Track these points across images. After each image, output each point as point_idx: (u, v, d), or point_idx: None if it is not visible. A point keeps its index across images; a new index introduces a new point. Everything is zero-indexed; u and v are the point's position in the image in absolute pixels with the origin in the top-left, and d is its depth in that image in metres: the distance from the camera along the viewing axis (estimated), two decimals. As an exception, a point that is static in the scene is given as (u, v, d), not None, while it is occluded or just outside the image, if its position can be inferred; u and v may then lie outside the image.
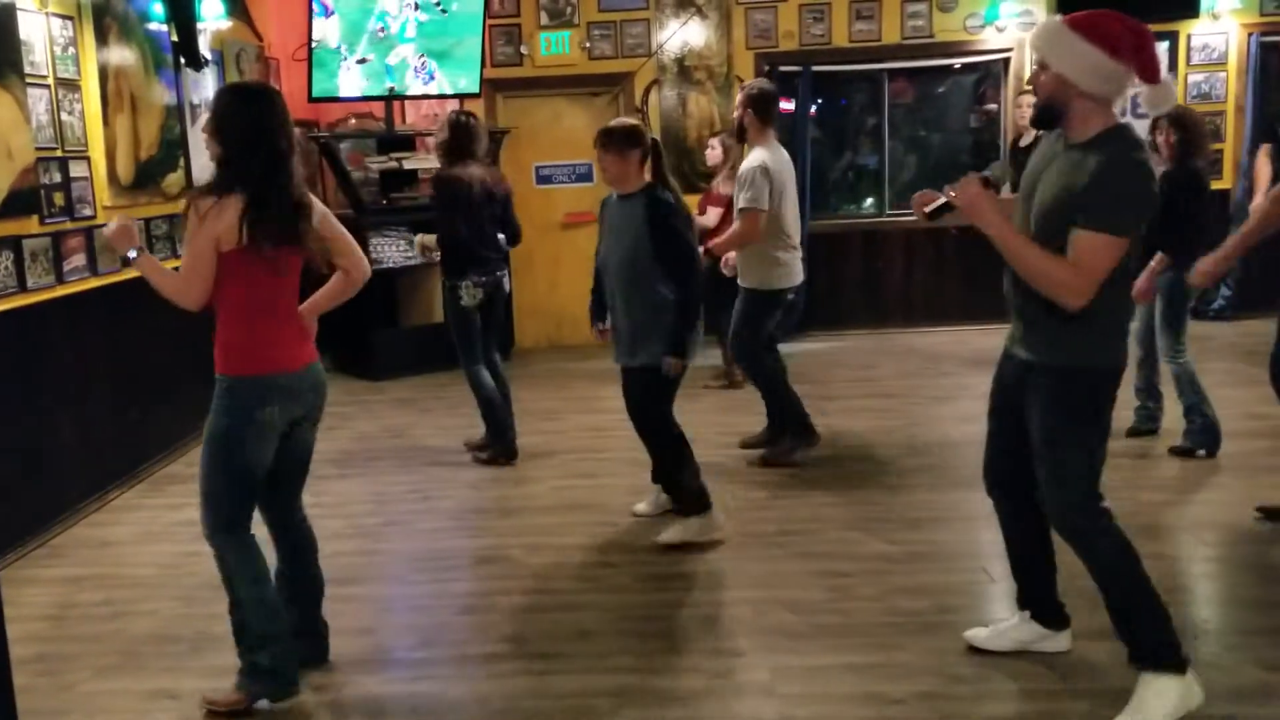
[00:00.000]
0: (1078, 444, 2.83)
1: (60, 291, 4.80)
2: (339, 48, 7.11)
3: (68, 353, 4.86)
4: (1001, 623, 3.33)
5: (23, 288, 4.53)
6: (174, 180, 5.91)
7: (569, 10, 8.19)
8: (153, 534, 4.68)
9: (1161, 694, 2.81)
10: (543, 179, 8.50)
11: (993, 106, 8.67)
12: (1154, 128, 5.16)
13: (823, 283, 8.33)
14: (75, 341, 4.92)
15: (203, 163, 6.24)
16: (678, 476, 4.29)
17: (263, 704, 3.15)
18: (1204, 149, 5.13)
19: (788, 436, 5.28)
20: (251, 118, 3.04)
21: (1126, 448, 5.11)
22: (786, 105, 8.43)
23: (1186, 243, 4.89)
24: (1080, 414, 2.83)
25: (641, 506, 4.64)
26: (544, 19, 8.21)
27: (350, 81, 7.25)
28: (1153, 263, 4.93)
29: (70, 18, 4.97)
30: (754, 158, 5.12)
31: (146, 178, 5.63)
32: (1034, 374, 2.90)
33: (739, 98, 5.31)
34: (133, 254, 3.08)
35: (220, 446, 3.05)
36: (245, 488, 3.08)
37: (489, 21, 7.92)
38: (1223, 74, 8.19)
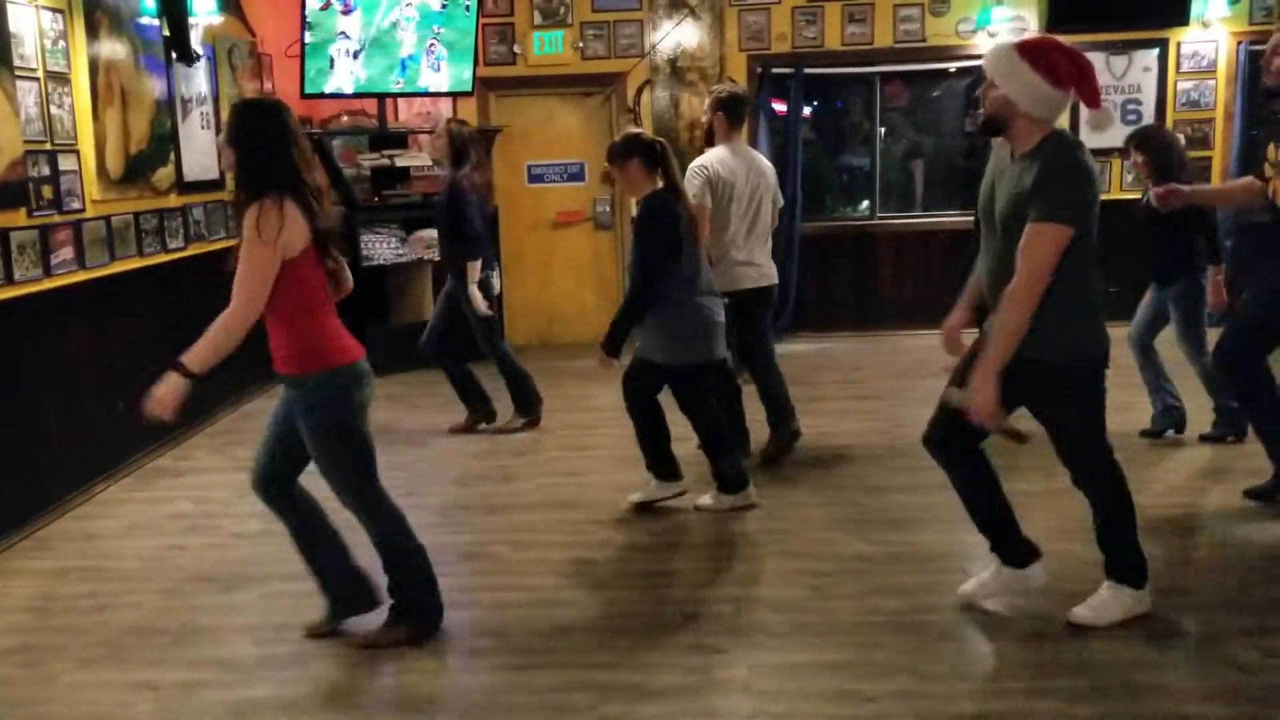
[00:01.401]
0: (1081, 426, 3.25)
1: (47, 284, 4.81)
2: (358, 40, 7.15)
3: (55, 345, 4.87)
4: (982, 574, 3.60)
5: (10, 280, 4.54)
6: (164, 175, 5.93)
7: (562, 10, 8.22)
8: (139, 527, 4.70)
9: (1120, 600, 3.38)
10: (535, 178, 8.52)
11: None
12: (1125, 153, 5.27)
13: (813, 284, 8.36)
14: (62, 334, 4.94)
15: (193, 158, 6.26)
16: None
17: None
18: (1181, 164, 5.23)
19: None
20: (280, 124, 3.19)
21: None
22: (779, 107, 8.48)
23: (1192, 256, 4.99)
24: (1075, 400, 3.21)
25: (636, 496, 4.70)
26: (537, 18, 8.23)
27: (355, 75, 7.25)
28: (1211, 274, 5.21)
29: (60, 11, 4.99)
30: (705, 157, 5.11)
31: (136, 172, 5.64)
32: (1035, 369, 3.14)
33: (708, 101, 5.33)
34: (183, 385, 3.17)
35: (339, 437, 3.26)
36: (368, 457, 3.33)
37: (482, 20, 7.94)
38: (1212, 82, 8.23)
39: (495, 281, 5.97)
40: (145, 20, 5.70)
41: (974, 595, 3.58)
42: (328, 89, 7.17)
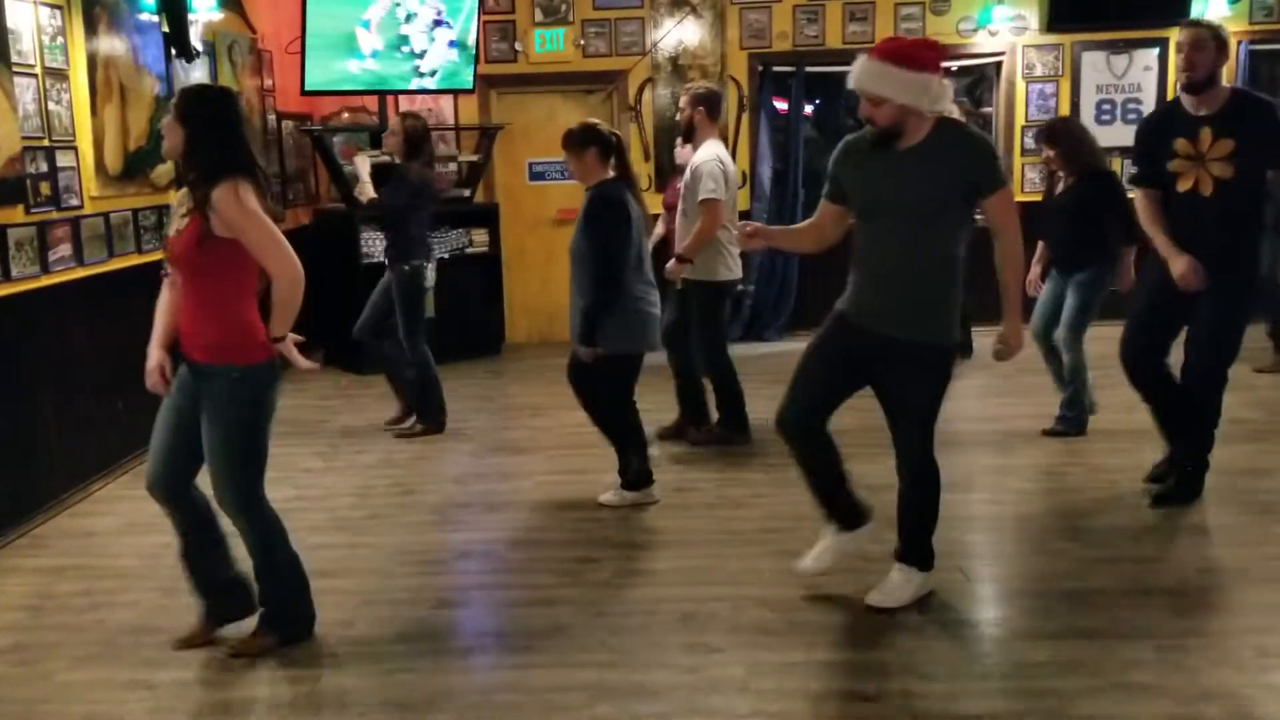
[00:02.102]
0: (935, 408, 3.48)
1: (45, 281, 4.80)
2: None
3: (52, 343, 4.86)
4: (818, 545, 3.73)
5: (7, 277, 4.53)
6: (163, 171, 5.91)
7: (564, 7, 8.20)
8: (136, 525, 4.68)
9: (911, 582, 3.60)
10: (536, 175, 8.51)
11: (987, 110, 8.69)
12: (1038, 149, 5.40)
13: (814, 284, 8.34)
14: (60, 331, 4.93)
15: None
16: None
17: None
18: (1092, 152, 5.39)
19: (720, 426, 5.58)
20: (237, 109, 3.25)
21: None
22: (781, 105, 8.47)
23: (1103, 243, 5.04)
24: (938, 383, 3.45)
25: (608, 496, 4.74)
26: (539, 16, 8.22)
27: (369, 67, 7.27)
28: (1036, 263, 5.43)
29: (59, 7, 4.97)
30: (708, 152, 5.28)
31: (135, 168, 5.63)
32: (907, 349, 3.36)
33: (685, 99, 5.48)
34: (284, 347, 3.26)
35: (243, 433, 3.23)
36: (261, 464, 3.31)
37: (483, 18, 7.93)
38: (1213, 80, 8.20)
39: (430, 274, 5.86)
40: (144, 16, 5.69)
41: (814, 569, 3.71)
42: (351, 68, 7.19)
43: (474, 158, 8.15)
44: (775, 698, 3.08)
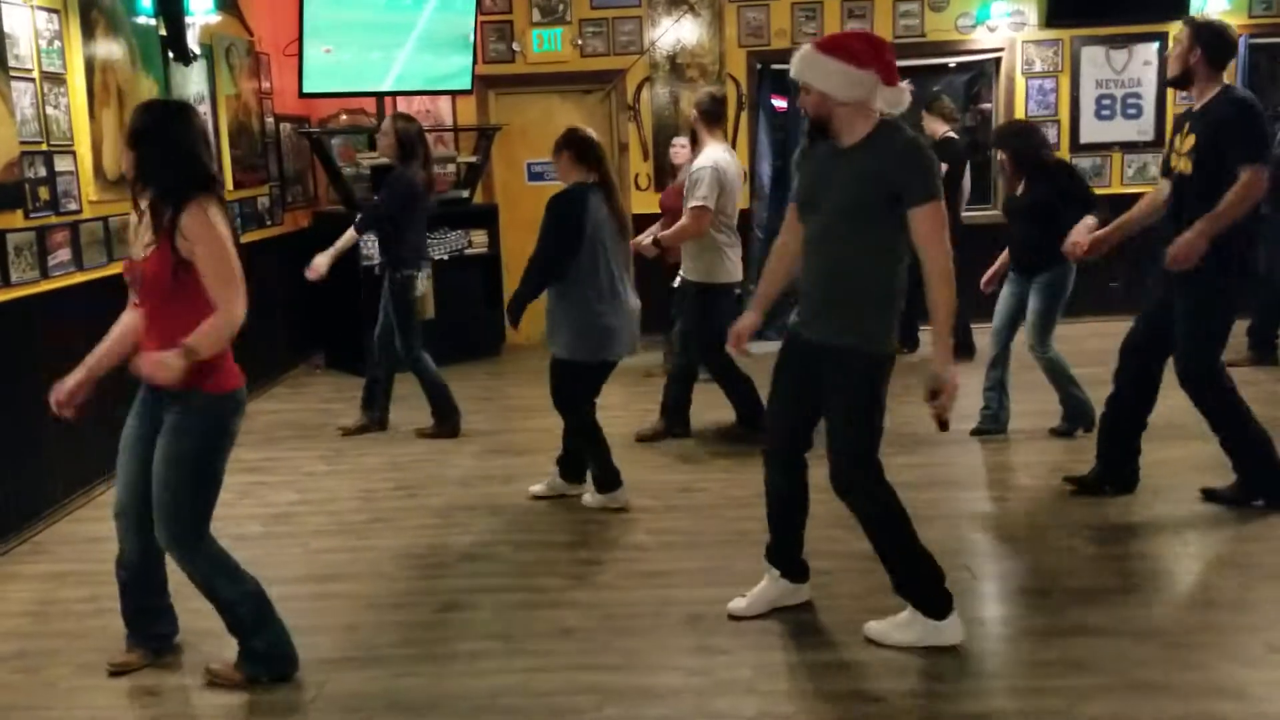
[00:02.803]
0: (857, 423, 3.31)
1: (45, 286, 4.78)
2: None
3: (52, 347, 4.84)
4: (753, 589, 3.61)
5: (6, 282, 4.51)
6: (162, 175, 5.89)
7: (561, 7, 8.18)
8: (138, 530, 4.67)
9: (911, 626, 3.34)
10: (534, 176, 8.49)
11: (986, 106, 8.68)
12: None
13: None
14: (60, 336, 4.89)
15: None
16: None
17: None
18: (1042, 144, 5.41)
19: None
20: (198, 125, 3.14)
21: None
22: (779, 104, 8.45)
23: (1058, 248, 5.01)
24: (875, 392, 3.28)
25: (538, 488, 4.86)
26: (536, 16, 8.20)
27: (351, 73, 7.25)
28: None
29: (56, 11, 4.96)
30: (706, 158, 5.38)
31: (134, 173, 5.61)
32: (830, 354, 3.26)
33: (694, 108, 5.66)
34: (180, 366, 2.94)
35: (198, 463, 3.08)
36: (209, 500, 3.14)
37: (481, 18, 7.91)
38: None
39: (422, 282, 5.84)
40: (142, 20, 5.67)
41: (746, 612, 3.56)
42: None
43: (472, 159, 8.14)
44: (783, 699, 3.07)
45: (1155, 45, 8.14)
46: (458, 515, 4.74)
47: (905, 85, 3.29)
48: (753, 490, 4.77)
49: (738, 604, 3.59)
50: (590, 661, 3.33)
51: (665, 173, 8.30)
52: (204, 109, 6.43)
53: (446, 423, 5.93)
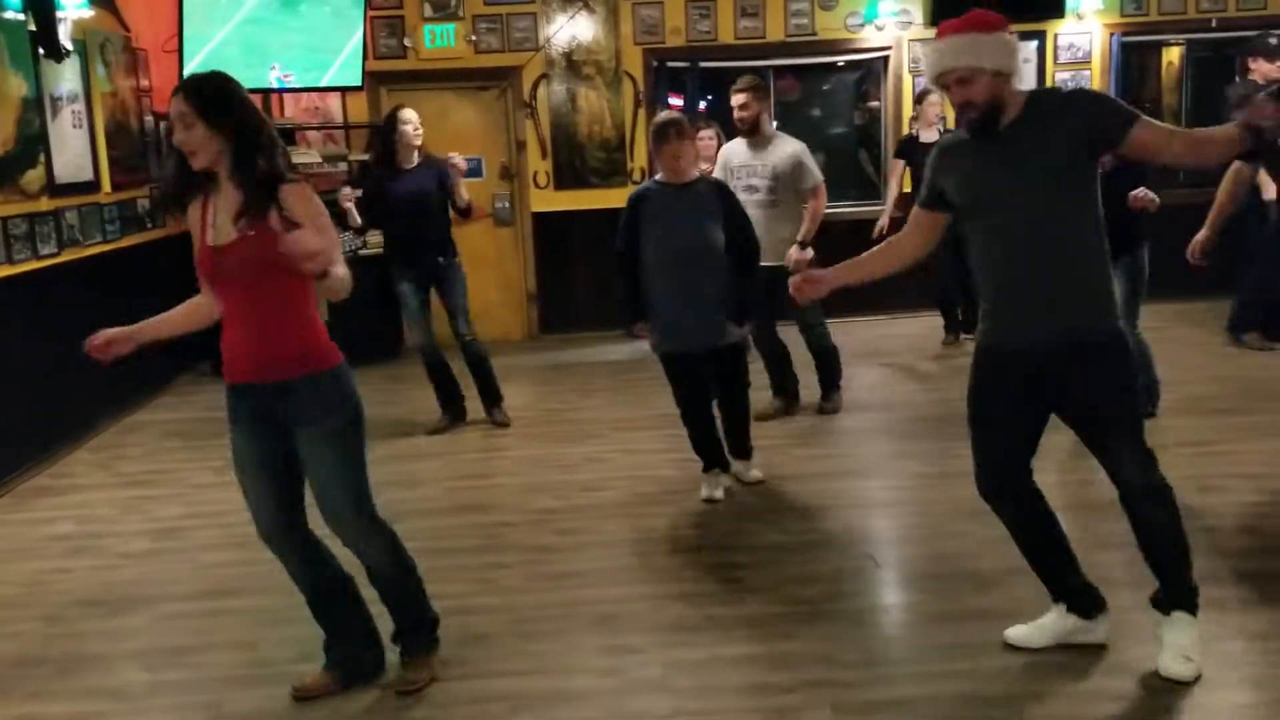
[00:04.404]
0: (1134, 404, 3.06)
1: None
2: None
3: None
4: (1040, 618, 3.23)
5: None
6: (33, 177, 5.62)
7: (453, 2, 8.06)
8: (17, 550, 4.44)
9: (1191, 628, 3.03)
10: (429, 175, 8.34)
11: (875, 104, 8.83)
12: None
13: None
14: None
15: (65, 159, 5.95)
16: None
17: None
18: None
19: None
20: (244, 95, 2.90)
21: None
22: (676, 101, 8.47)
23: (1138, 230, 5.06)
24: (1132, 375, 3.04)
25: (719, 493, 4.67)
26: (428, 11, 8.06)
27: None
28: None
29: (-86, 4, 4.68)
30: (791, 141, 5.70)
31: (3, 175, 5.33)
32: (1087, 349, 2.93)
33: (747, 95, 5.59)
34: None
35: (351, 439, 2.99)
36: (367, 471, 3.07)
37: (371, 13, 7.74)
38: (1087, 72, 8.49)
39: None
40: (10, 14, 5.39)
41: (1020, 642, 3.22)
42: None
43: (365, 157, 7.95)
44: (695, 695, 3.06)
45: (1034, 44, 8.40)
46: (358, 523, 4.61)
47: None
48: (662, 488, 4.80)
49: (1017, 632, 3.23)
50: (500, 667, 3.27)
51: (567, 170, 8.27)
52: (78, 108, 6.15)
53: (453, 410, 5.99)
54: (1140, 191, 4.77)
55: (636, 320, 4.57)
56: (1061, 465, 4.54)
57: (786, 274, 5.46)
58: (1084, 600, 3.17)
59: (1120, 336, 3.00)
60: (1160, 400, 5.41)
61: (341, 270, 2.88)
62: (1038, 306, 2.94)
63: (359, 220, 5.77)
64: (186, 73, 6.71)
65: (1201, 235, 4.92)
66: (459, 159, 5.81)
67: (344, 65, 7.51)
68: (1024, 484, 3.11)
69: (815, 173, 5.65)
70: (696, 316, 4.38)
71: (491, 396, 5.97)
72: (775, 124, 5.95)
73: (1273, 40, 6.80)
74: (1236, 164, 4.73)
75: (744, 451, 4.79)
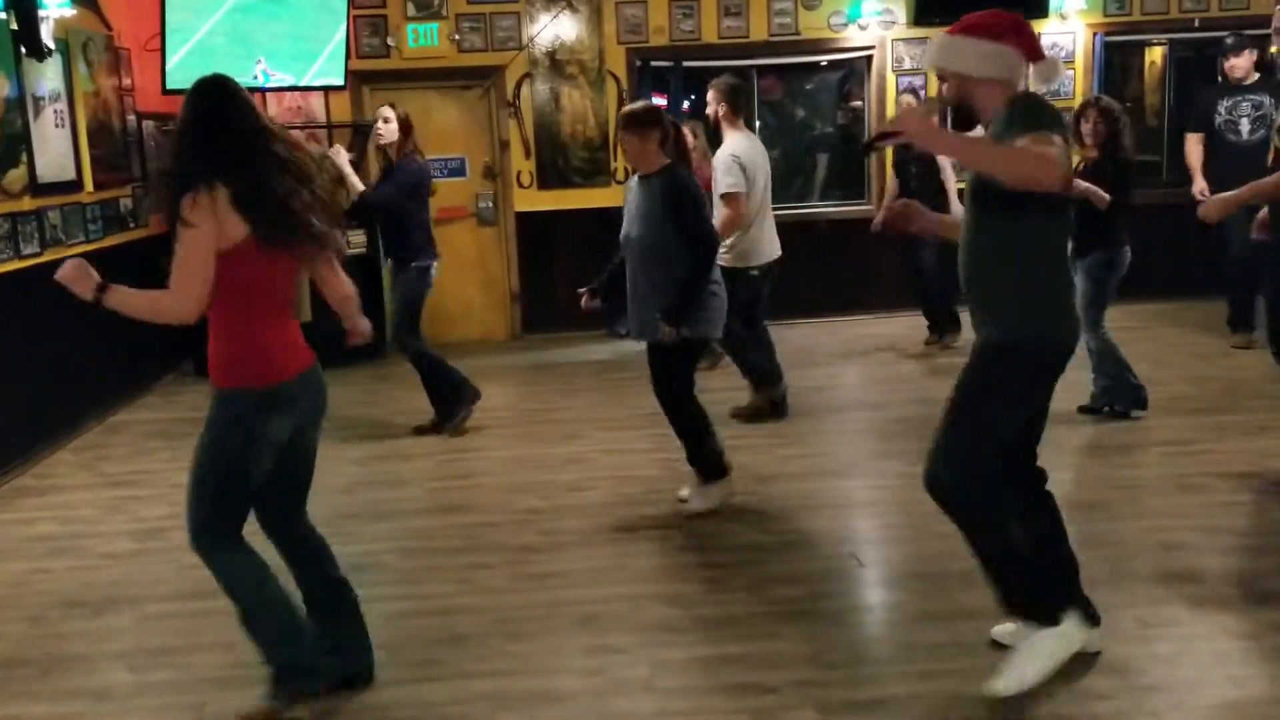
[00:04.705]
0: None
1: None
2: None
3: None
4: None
5: None
6: (15, 177, 5.58)
7: (437, 1, 8.05)
8: (0, 551, 4.43)
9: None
10: (413, 174, 8.33)
11: (858, 103, 8.86)
12: (1080, 117, 5.37)
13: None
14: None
15: (48, 158, 5.92)
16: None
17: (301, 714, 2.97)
18: (1127, 138, 5.32)
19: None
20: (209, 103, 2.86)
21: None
22: (660, 101, 8.47)
23: (1114, 228, 5.11)
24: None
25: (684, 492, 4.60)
26: (411, 10, 8.05)
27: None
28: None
29: (-107, 3, 4.65)
30: (725, 147, 5.59)
31: (-16, 174, 5.31)
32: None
33: (711, 93, 5.70)
34: (90, 295, 2.76)
35: (214, 462, 2.92)
36: (230, 504, 2.94)
37: (354, 11, 7.72)
38: (1070, 72, 8.54)
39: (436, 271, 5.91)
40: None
41: (1014, 638, 3.15)
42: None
43: (349, 156, 7.93)
44: (679, 696, 3.07)
45: (1018, 43, 8.44)
46: (342, 524, 4.59)
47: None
48: (646, 488, 4.81)
49: (1002, 629, 3.20)
50: (483, 668, 3.28)
51: (549, 169, 8.27)
52: (60, 107, 6.12)
53: (452, 410, 5.83)
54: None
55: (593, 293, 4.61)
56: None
57: (740, 273, 5.52)
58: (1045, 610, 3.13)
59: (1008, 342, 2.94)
60: (1147, 403, 5.45)
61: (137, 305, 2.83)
62: (973, 312, 3.03)
63: (358, 186, 5.72)
64: (168, 72, 6.68)
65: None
66: (338, 149, 5.95)
67: (330, 56, 7.47)
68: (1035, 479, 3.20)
69: (725, 180, 5.46)
70: (634, 309, 4.41)
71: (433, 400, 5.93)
72: (742, 124, 5.77)
73: (1230, 40, 7.18)
74: None
75: (691, 461, 4.54)
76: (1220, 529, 4.09)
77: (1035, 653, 3.00)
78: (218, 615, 3.63)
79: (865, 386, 6.49)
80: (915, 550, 4.07)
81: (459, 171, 8.32)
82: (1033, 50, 2.97)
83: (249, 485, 2.93)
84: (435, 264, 5.75)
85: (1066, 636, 3.04)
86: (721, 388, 6.03)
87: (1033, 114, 2.80)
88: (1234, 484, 4.51)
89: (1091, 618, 3.12)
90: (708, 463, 4.47)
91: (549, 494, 4.81)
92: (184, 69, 6.73)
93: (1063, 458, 4.83)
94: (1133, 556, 3.88)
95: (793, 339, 7.84)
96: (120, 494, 5.04)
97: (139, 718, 3.09)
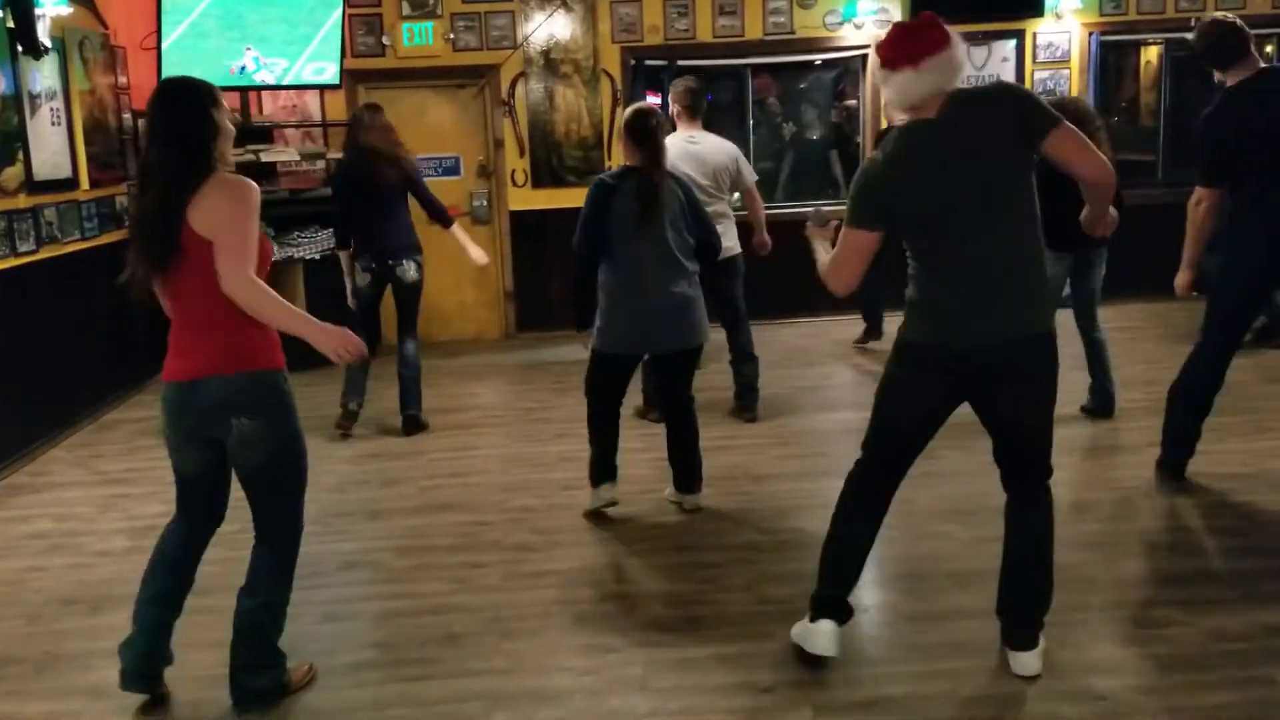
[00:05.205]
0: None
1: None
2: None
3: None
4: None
5: None
6: (12, 175, 5.58)
7: (432, 0, 8.04)
8: (-8, 550, 4.42)
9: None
10: (408, 172, 8.32)
11: (852, 102, 8.87)
12: None
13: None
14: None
15: (44, 156, 5.91)
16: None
17: None
18: (1104, 140, 5.12)
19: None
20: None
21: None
22: (653, 100, 8.48)
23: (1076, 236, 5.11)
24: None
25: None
26: (406, 9, 8.04)
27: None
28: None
29: (-113, 0, 4.64)
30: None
31: (-21, 172, 5.30)
32: (1036, 345, 2.98)
33: (671, 94, 5.80)
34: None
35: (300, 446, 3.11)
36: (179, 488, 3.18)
37: (349, 10, 7.72)
38: (1066, 71, 8.57)
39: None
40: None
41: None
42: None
43: (340, 155, 7.93)
44: (674, 695, 3.08)
45: (1013, 43, 8.46)
46: (335, 522, 4.61)
47: (952, 47, 2.83)
48: (639, 486, 4.81)
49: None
50: (477, 666, 3.28)
51: (545, 167, 8.27)
52: (56, 105, 6.11)
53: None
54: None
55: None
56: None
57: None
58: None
59: (1054, 334, 3.01)
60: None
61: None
62: (1012, 309, 3.04)
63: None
64: (163, 71, 6.67)
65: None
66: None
67: (324, 40, 7.44)
68: (895, 488, 3.39)
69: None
70: (668, 315, 4.40)
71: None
72: (698, 125, 5.77)
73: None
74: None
75: (696, 468, 4.60)
76: (1218, 530, 4.11)
77: None
78: (210, 613, 3.64)
79: (858, 386, 6.50)
80: (910, 551, 4.08)
81: (454, 170, 8.32)
82: (885, 60, 2.87)
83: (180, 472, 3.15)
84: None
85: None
86: (715, 386, 6.03)
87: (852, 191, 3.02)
88: (1230, 486, 4.52)
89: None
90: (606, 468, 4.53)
91: (543, 492, 4.82)
92: (178, 68, 6.73)
93: (1058, 458, 4.83)
94: (1129, 557, 3.90)
95: (786, 338, 7.86)
96: (114, 491, 5.04)
97: (135, 716, 3.08)
